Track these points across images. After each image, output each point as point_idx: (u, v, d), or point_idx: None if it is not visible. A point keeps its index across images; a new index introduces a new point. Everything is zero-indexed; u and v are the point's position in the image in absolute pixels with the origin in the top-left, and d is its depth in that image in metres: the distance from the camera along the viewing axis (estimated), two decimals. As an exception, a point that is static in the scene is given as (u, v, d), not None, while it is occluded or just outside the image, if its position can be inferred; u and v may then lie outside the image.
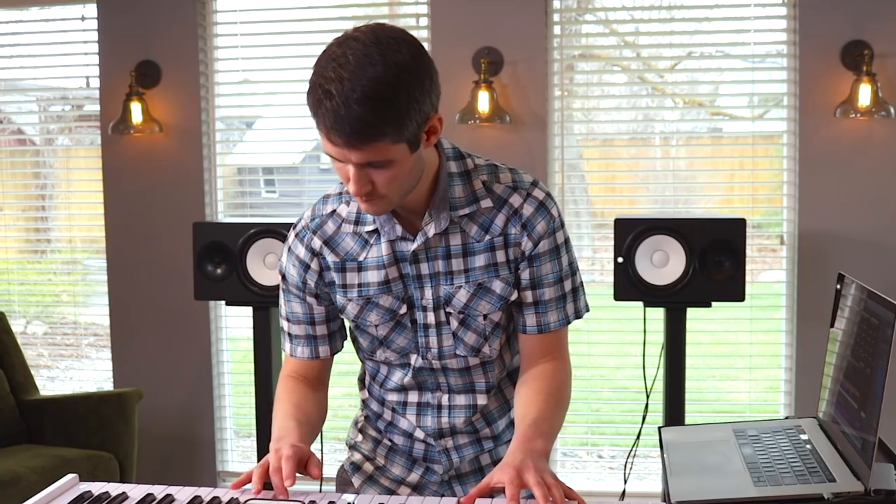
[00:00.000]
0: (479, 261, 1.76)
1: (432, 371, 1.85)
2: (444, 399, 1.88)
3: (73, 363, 4.98)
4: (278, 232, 3.59)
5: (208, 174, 4.38)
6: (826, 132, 3.93)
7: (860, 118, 3.83)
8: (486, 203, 1.76)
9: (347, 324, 1.90)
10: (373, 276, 1.78)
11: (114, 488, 1.76)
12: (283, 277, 1.86)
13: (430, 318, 1.80)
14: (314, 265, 1.81)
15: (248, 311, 3.95)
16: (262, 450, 3.77)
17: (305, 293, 1.84)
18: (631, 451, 3.93)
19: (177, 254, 4.31)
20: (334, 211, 1.81)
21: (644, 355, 3.79)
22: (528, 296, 1.80)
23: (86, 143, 4.77)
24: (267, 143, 4.70)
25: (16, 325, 4.78)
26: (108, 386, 4.66)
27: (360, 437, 2.03)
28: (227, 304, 3.75)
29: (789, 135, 4.02)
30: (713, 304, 3.53)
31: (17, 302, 4.92)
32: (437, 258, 1.76)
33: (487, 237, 1.76)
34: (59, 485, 1.75)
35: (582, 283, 1.88)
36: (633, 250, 3.46)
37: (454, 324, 1.80)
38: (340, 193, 1.82)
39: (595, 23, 4.36)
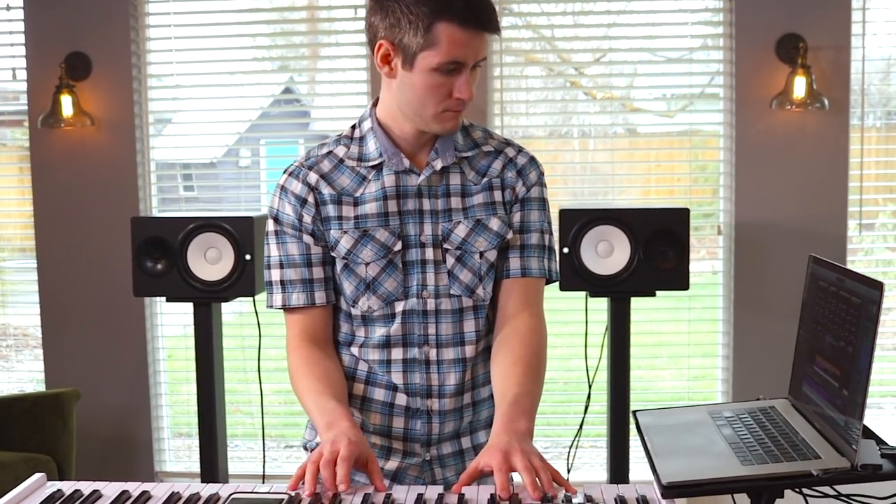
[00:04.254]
0: (478, 199, 1.86)
1: (423, 316, 1.85)
2: (433, 354, 1.86)
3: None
4: (219, 226, 3.52)
5: (142, 169, 4.27)
6: (762, 124, 4.01)
7: (795, 110, 3.93)
8: (487, 148, 1.90)
9: (337, 268, 1.87)
10: (371, 209, 1.83)
11: (85, 486, 1.70)
12: (276, 220, 1.86)
13: (429, 254, 1.84)
14: (311, 199, 1.83)
15: (183, 307, 3.87)
16: (204, 449, 3.70)
17: (302, 231, 1.84)
18: (574, 440, 3.96)
19: (110, 250, 4.20)
20: (330, 152, 1.87)
21: (586, 346, 3.83)
22: (516, 239, 1.89)
23: (6, 140, 4.61)
24: (186, 138, 4.57)
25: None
26: (33, 388, 4.51)
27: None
28: (168, 300, 3.65)
29: (725, 126, 4.10)
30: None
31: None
32: (437, 196, 1.84)
33: (485, 180, 1.88)
34: (27, 485, 1.69)
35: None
36: (578, 241, 3.48)
37: (450, 261, 1.85)
38: (338, 139, 1.89)
39: (521, 15, 4.36)
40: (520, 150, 1.93)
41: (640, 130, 4.52)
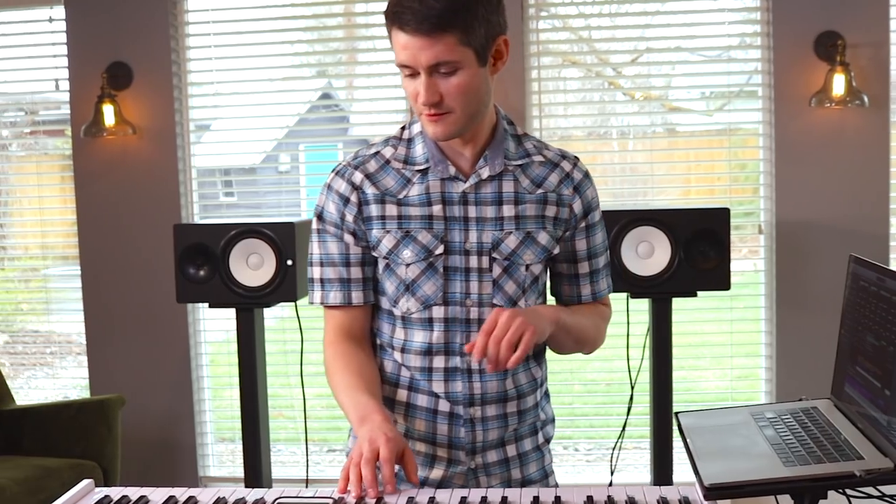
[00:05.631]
0: (530, 210, 1.85)
1: (466, 324, 1.84)
2: (474, 363, 1.85)
3: (37, 373, 4.89)
4: (261, 232, 3.55)
5: (183, 176, 4.32)
6: (801, 122, 3.98)
7: (834, 108, 3.90)
8: (539, 158, 1.89)
9: (379, 267, 1.88)
10: (415, 211, 1.83)
11: (132, 492, 1.73)
12: (320, 218, 1.89)
13: (473, 262, 1.83)
14: (354, 198, 1.85)
15: (225, 312, 3.91)
16: (248, 454, 3.73)
17: (343, 230, 1.86)
18: (617, 442, 3.95)
19: (152, 257, 4.26)
20: (378, 152, 1.89)
21: (628, 347, 3.82)
22: (585, 266, 1.93)
23: (47, 149, 4.68)
24: (225, 145, 4.58)
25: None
26: (76, 394, 4.57)
27: None
28: (211, 306, 3.69)
29: (764, 125, 4.08)
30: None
31: (-25, 313, 4.83)
32: (486, 203, 1.84)
33: (540, 191, 1.86)
34: (76, 491, 1.71)
35: None
36: (619, 242, 3.47)
37: (497, 271, 1.84)
38: (387, 140, 1.90)
39: (558, 17, 4.36)
40: (575, 163, 1.92)
41: (679, 130, 4.49)
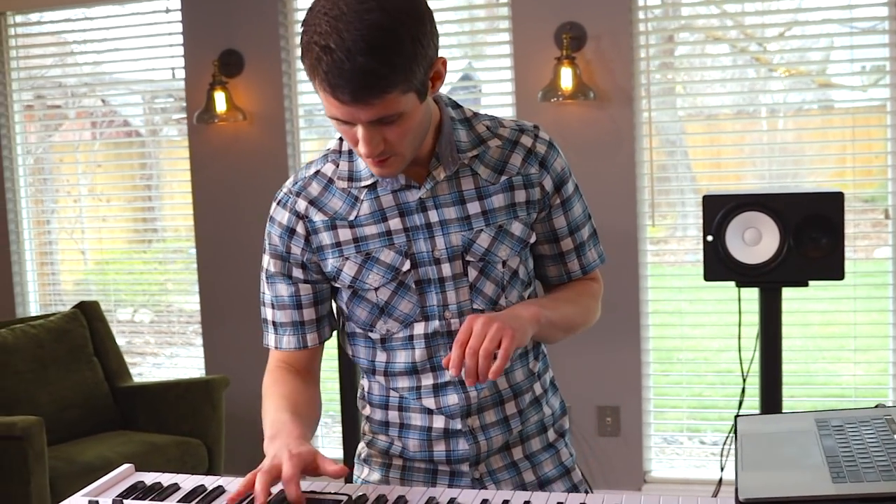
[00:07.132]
0: (497, 202, 1.68)
1: (449, 336, 1.68)
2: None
3: (180, 350, 5.07)
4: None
5: (293, 161, 4.38)
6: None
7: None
8: (495, 143, 1.69)
9: (344, 296, 1.73)
10: (370, 230, 1.66)
11: (167, 479, 1.74)
12: (267, 252, 1.74)
13: (446, 269, 1.66)
14: (300, 229, 1.68)
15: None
16: (348, 435, 3.75)
17: (291, 263, 1.70)
18: (728, 437, 3.78)
19: (261, 241, 4.29)
20: (318, 171, 1.70)
21: (739, 337, 3.64)
22: (569, 242, 1.77)
23: (185, 134, 4.83)
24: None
25: (124, 314, 4.91)
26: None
27: (366, 471, 1.84)
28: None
29: (892, 102, 3.80)
30: (811, 283, 3.36)
31: (125, 291, 5.04)
32: (447, 205, 1.66)
33: (504, 178, 1.68)
34: (115, 473, 1.74)
35: None
36: (723, 228, 3.30)
37: (472, 274, 1.68)
38: (325, 155, 1.72)
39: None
40: (536, 135, 1.72)
41: (820, 107, 4.23)
